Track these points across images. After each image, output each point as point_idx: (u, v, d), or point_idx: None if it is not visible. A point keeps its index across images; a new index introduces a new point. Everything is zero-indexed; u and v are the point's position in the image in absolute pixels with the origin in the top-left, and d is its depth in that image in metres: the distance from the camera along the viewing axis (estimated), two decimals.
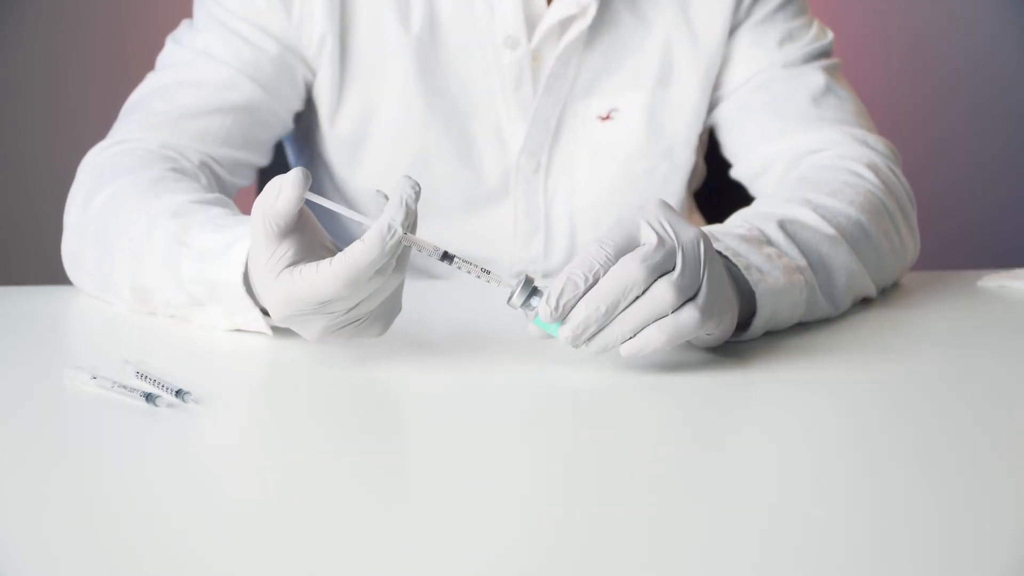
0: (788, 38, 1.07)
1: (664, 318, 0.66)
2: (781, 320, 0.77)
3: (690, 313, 0.66)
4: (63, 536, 0.45)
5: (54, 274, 0.95)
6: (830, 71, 1.06)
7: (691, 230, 0.68)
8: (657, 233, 0.67)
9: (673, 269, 0.66)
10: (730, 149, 1.09)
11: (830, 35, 1.09)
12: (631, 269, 0.65)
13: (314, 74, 1.02)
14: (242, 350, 0.79)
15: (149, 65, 1.02)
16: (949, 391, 0.67)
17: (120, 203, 0.86)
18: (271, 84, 1.00)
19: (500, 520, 0.47)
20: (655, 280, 0.66)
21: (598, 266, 0.66)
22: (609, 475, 0.53)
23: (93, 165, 0.93)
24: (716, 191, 1.20)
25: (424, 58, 1.02)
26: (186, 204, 0.82)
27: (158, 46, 1.04)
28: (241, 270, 0.74)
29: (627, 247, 0.67)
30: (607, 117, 1.06)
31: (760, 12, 1.06)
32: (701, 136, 1.10)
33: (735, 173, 1.09)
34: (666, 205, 0.69)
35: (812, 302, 0.79)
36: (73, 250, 0.90)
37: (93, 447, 0.57)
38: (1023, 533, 0.46)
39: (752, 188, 1.07)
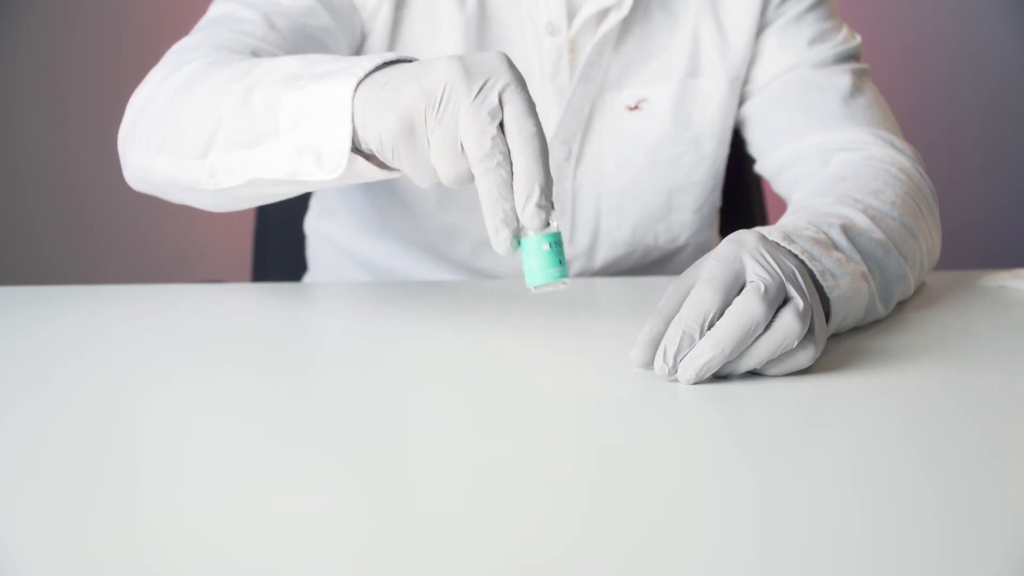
0: (819, 38, 1.08)
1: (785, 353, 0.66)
2: (845, 326, 0.77)
3: (804, 345, 0.67)
4: (63, 537, 0.45)
5: (54, 274, 0.95)
6: (859, 74, 1.07)
7: (788, 260, 0.68)
8: (763, 267, 0.67)
9: (787, 301, 0.66)
10: (756, 145, 1.10)
11: (858, 39, 1.10)
12: (755, 307, 0.64)
13: (364, 37, 1.03)
14: (252, 347, 0.79)
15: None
16: (949, 392, 0.67)
17: (211, 66, 0.84)
18: (341, 22, 1.00)
19: (510, 519, 0.47)
20: (775, 313, 0.66)
21: (713, 312, 0.65)
22: (617, 476, 0.53)
23: (175, 52, 0.92)
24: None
25: (471, 39, 1.03)
26: (303, 56, 0.79)
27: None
28: (357, 80, 0.71)
29: (735, 285, 0.66)
30: (635, 107, 1.07)
31: (791, 12, 1.08)
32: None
33: (759, 168, 1.10)
34: (762, 237, 0.69)
35: (870, 307, 0.79)
36: (137, 107, 0.88)
37: (93, 447, 0.57)
38: (1023, 535, 0.46)
39: (776, 183, 1.08)
